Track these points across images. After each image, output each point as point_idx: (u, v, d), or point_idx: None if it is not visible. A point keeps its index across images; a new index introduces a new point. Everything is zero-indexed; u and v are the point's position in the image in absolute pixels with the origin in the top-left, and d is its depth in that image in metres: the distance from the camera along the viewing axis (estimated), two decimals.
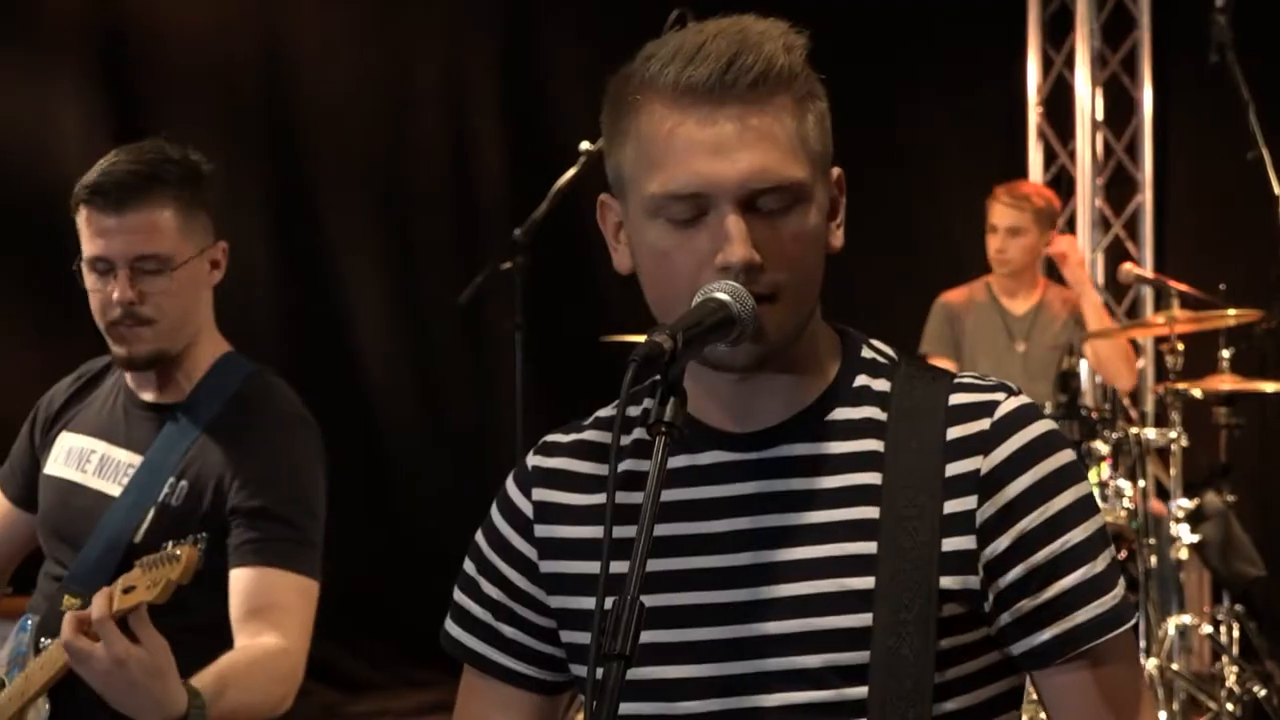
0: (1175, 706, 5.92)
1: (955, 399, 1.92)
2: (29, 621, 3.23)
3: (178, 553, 2.78)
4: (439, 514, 7.96)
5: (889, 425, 1.92)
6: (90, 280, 3.22)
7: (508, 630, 2.08)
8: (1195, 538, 6.28)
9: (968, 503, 1.87)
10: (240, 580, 3.12)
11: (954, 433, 1.90)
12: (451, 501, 7.95)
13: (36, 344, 7.39)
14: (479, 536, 2.13)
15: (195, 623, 3.05)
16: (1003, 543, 1.87)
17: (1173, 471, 6.23)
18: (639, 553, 1.70)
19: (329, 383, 7.94)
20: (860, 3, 7.99)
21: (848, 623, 1.86)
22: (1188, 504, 6.25)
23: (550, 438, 2.09)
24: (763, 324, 1.85)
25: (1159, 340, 7.12)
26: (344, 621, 7.87)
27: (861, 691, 1.84)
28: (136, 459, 3.25)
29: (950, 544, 1.87)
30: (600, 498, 1.94)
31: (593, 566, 1.90)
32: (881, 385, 1.95)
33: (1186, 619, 6.22)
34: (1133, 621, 1.90)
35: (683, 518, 1.94)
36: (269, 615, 3.10)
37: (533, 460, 2.09)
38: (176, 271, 3.19)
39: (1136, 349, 8.24)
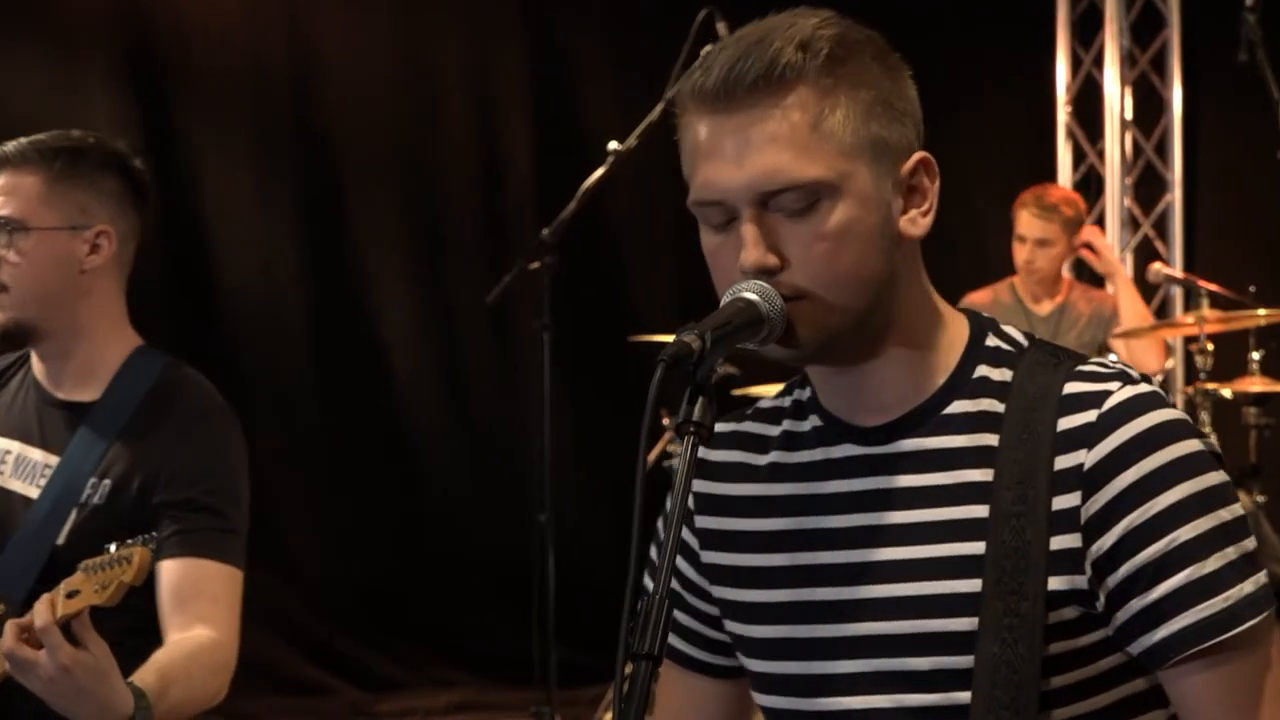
0: None
1: (1070, 388, 1.88)
2: None
3: (129, 554, 2.73)
4: (466, 514, 7.97)
5: (1005, 418, 1.88)
6: None
7: (681, 617, 2.11)
8: None
9: (1073, 499, 1.83)
10: (168, 572, 3.07)
11: (1064, 424, 1.86)
12: (479, 501, 7.96)
13: None
14: (659, 523, 2.12)
15: (134, 624, 3.02)
16: (1107, 541, 1.82)
17: None
18: (668, 552, 1.70)
19: (357, 383, 7.96)
20: (887, 3, 7.97)
21: (956, 626, 1.84)
22: None
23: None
24: (793, 324, 1.84)
25: (1188, 340, 7.10)
26: (371, 621, 7.89)
27: (968, 696, 1.82)
28: (54, 459, 3.21)
29: (1058, 542, 1.83)
30: (758, 488, 1.98)
31: (746, 559, 1.93)
32: (1002, 375, 1.92)
33: None
34: (1259, 618, 1.82)
35: (811, 511, 1.96)
36: (199, 607, 3.05)
37: None
38: (28, 235, 3.16)
39: (1167, 349, 8.22)
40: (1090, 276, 7.14)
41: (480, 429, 8.15)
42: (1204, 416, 6.20)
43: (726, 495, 2.05)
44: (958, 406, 1.91)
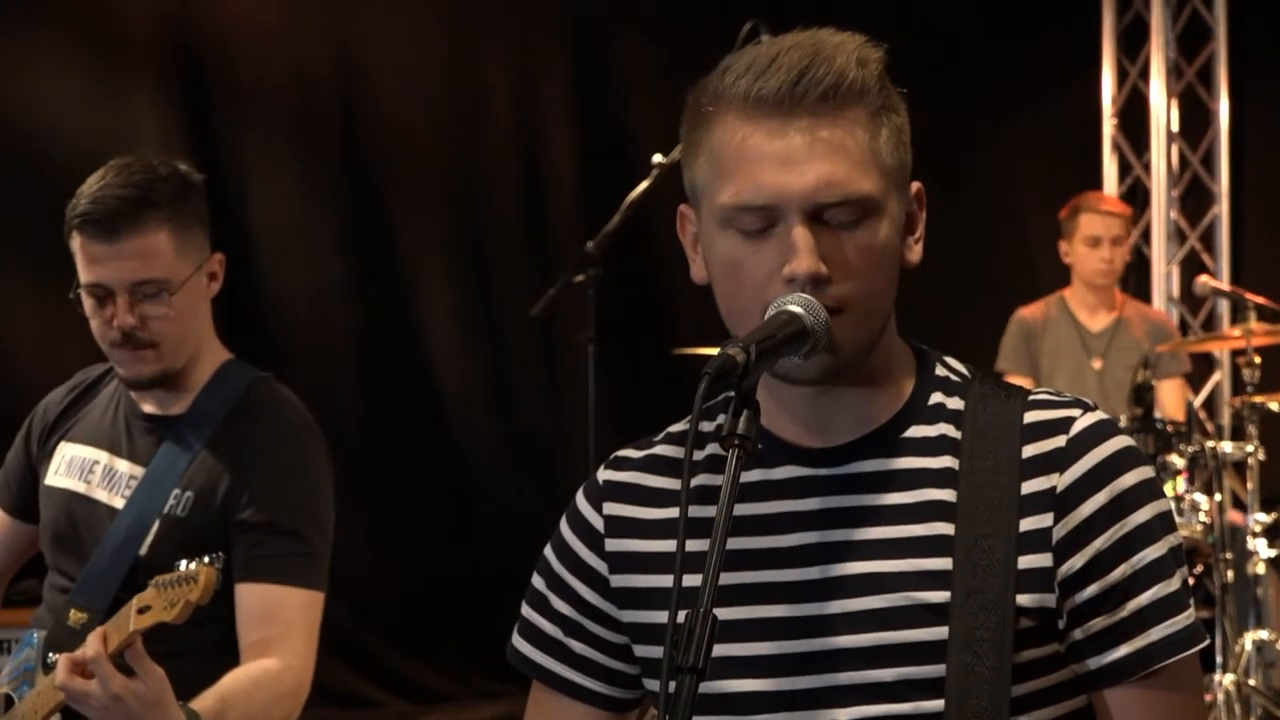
0: None
1: (1030, 416, 1.92)
2: (35, 636, 3.23)
3: (196, 574, 2.76)
4: (511, 526, 7.97)
5: (963, 443, 1.91)
6: (88, 306, 3.18)
7: (577, 646, 2.09)
8: (1273, 552, 6.22)
9: (1044, 520, 1.87)
10: (247, 596, 3.13)
11: (1029, 450, 1.90)
12: (524, 514, 7.96)
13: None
14: (548, 552, 2.13)
15: (196, 644, 3.06)
16: (1078, 560, 1.87)
17: (1249, 485, 6.18)
18: (712, 566, 1.71)
19: (402, 395, 7.98)
20: (934, 15, 7.97)
21: (922, 636, 1.85)
22: (1265, 518, 6.20)
23: (621, 453, 2.10)
24: (834, 336, 1.85)
25: (1235, 353, 7.06)
26: (417, 633, 7.91)
27: (937, 705, 1.84)
28: (139, 470, 3.23)
29: (1026, 561, 1.86)
30: (672, 512, 1.95)
31: (666, 580, 1.88)
32: (956, 403, 1.95)
33: (1264, 634, 6.16)
34: (1203, 644, 1.89)
35: (755, 532, 1.94)
36: (274, 632, 3.11)
37: (604, 475, 2.09)
38: (175, 294, 3.16)
39: (1212, 362, 8.18)
40: (1134, 289, 7.10)
41: (526, 441, 8.15)
42: (1251, 430, 6.17)
43: (644, 519, 2.02)
44: (916, 431, 1.94)
